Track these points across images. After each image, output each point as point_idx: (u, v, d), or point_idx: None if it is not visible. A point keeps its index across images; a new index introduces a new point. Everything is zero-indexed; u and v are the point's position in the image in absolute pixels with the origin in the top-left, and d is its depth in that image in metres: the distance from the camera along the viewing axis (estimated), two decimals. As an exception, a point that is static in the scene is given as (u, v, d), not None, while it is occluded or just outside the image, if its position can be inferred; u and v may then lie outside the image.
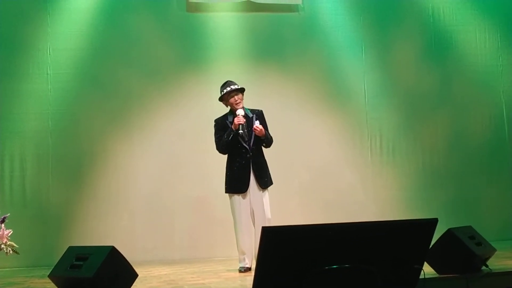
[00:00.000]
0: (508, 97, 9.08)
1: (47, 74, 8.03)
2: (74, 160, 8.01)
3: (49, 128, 7.99)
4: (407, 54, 8.94)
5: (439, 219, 3.89)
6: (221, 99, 6.38)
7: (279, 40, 8.63)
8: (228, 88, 6.28)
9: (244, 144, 6.20)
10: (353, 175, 8.63)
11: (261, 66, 8.42)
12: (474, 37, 9.12)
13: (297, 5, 8.69)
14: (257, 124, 6.19)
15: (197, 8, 8.47)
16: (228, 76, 8.06)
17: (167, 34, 8.40)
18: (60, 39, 8.09)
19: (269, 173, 6.36)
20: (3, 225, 5.45)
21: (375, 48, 8.86)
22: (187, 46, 8.43)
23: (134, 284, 4.75)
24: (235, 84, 6.33)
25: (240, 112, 6.18)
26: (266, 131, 6.31)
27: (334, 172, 8.56)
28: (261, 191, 6.22)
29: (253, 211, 6.20)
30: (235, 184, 6.22)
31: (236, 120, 6.13)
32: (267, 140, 6.33)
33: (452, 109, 8.95)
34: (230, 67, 8.29)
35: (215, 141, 6.35)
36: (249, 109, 6.38)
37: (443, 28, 9.07)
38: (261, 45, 8.57)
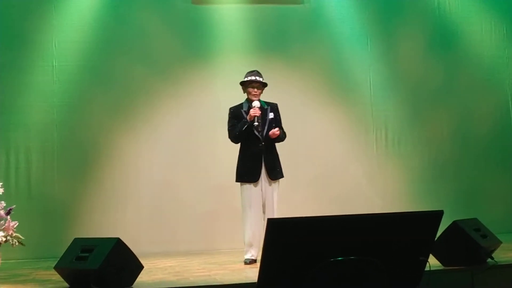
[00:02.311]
0: (514, 89, 9.07)
1: (53, 66, 8.03)
2: (79, 152, 8.02)
3: (54, 120, 7.99)
4: (413, 46, 8.91)
5: (444, 212, 3.87)
6: (242, 83, 6.41)
7: (284, 33, 8.61)
8: (252, 77, 6.34)
9: (257, 134, 6.23)
10: (359, 168, 8.62)
11: (266, 58, 8.37)
12: (479, 28, 9.08)
13: (302, -3, 8.68)
14: (275, 130, 6.23)
15: (202, 0, 8.46)
16: (233, 68, 8.12)
17: (172, 26, 8.39)
18: (65, 31, 8.09)
19: (280, 166, 6.38)
20: (9, 217, 5.47)
21: (381, 40, 8.83)
22: (192, 38, 8.42)
23: (139, 276, 4.76)
24: (261, 77, 6.37)
25: (256, 104, 6.24)
26: (280, 130, 6.35)
27: (340, 165, 8.55)
28: (272, 184, 6.24)
29: (264, 202, 6.21)
30: (246, 173, 6.25)
31: (252, 112, 6.18)
32: (279, 139, 6.40)
33: (458, 101, 8.92)
34: (234, 59, 8.28)
35: (228, 129, 6.40)
36: (264, 101, 6.40)
37: (449, 20, 9.03)
38: (266, 37, 8.55)
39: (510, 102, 9.04)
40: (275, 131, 6.22)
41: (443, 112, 8.88)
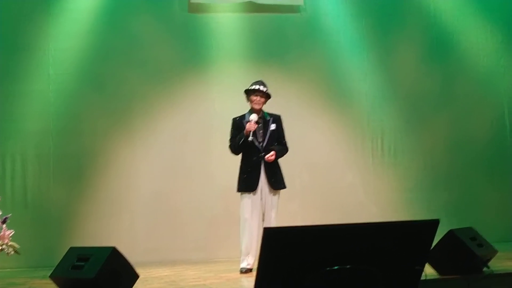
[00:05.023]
0: (510, 98, 9.06)
1: (48, 74, 8.02)
2: (75, 160, 8.00)
3: (50, 128, 7.97)
4: (409, 55, 8.93)
5: (440, 221, 3.87)
6: (246, 91, 6.43)
7: (281, 41, 8.61)
8: (256, 86, 6.36)
9: (257, 145, 6.25)
10: (355, 176, 8.62)
11: (262, 67, 8.37)
12: (475, 38, 9.09)
13: (298, 6, 8.66)
14: (270, 155, 6.24)
15: (198, 8, 8.46)
16: (229, 76, 8.15)
17: (169, 35, 8.39)
18: (61, 39, 8.06)
19: (282, 176, 6.38)
20: (4, 225, 5.45)
21: (377, 49, 8.83)
22: (188, 47, 8.42)
23: (135, 285, 4.76)
24: (265, 87, 6.39)
25: (253, 117, 6.24)
26: (278, 147, 6.39)
27: (336, 173, 8.55)
28: (273, 195, 6.27)
29: (264, 212, 6.23)
30: (245, 182, 6.29)
31: (247, 127, 6.19)
32: (279, 157, 6.40)
33: (454, 110, 8.93)
34: (231, 67, 8.30)
35: (229, 139, 6.43)
36: (268, 113, 6.41)
37: (445, 30, 9.05)
38: (262, 46, 8.55)
39: (505, 111, 9.05)
40: (270, 156, 6.23)
41: (439, 122, 8.89)
